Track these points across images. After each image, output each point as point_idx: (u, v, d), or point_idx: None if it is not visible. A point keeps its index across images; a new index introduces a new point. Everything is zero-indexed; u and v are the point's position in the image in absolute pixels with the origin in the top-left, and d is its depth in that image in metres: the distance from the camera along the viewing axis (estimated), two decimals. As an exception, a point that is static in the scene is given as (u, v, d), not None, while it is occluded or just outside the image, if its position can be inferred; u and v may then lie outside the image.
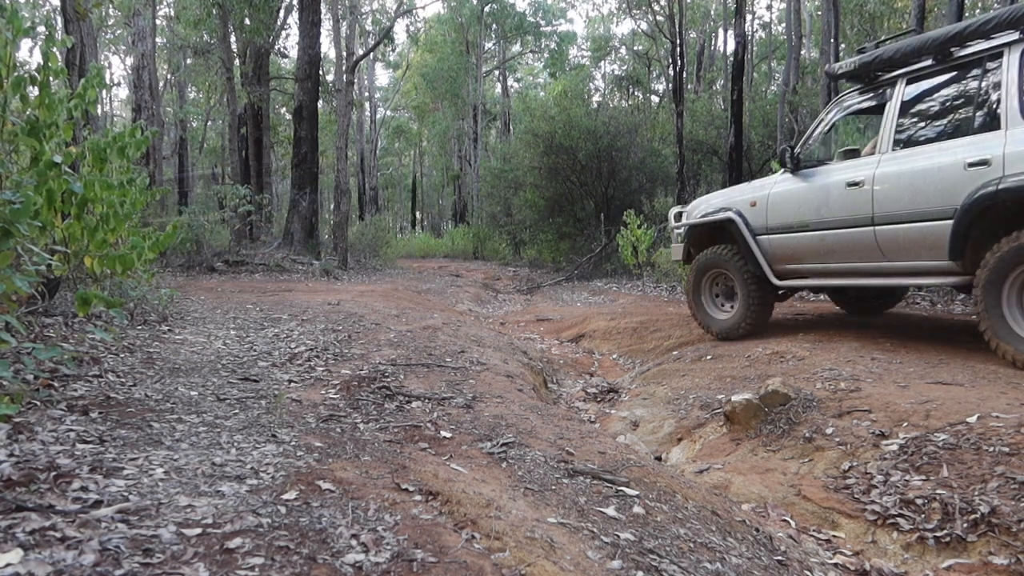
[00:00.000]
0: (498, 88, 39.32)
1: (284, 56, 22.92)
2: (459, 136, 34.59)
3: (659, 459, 3.88)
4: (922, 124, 4.46)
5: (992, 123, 3.99)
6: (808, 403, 3.69)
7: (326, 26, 16.84)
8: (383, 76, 42.84)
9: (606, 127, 17.12)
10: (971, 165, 3.95)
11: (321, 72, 16.41)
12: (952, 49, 4.32)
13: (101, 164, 4.06)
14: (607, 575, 1.90)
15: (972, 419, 3.12)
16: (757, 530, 2.52)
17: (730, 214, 5.49)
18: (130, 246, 3.97)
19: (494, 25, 32.71)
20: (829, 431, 3.41)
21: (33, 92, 3.37)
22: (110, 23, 23.37)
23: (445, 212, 44.08)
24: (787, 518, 2.92)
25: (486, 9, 30.77)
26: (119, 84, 32.01)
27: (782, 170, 5.30)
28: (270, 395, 3.22)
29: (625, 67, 35.13)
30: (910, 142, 4.45)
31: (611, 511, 2.32)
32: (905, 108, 4.54)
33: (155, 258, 5.13)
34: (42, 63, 3.42)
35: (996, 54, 4.08)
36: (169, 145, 24.48)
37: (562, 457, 2.80)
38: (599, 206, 17.07)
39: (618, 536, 2.13)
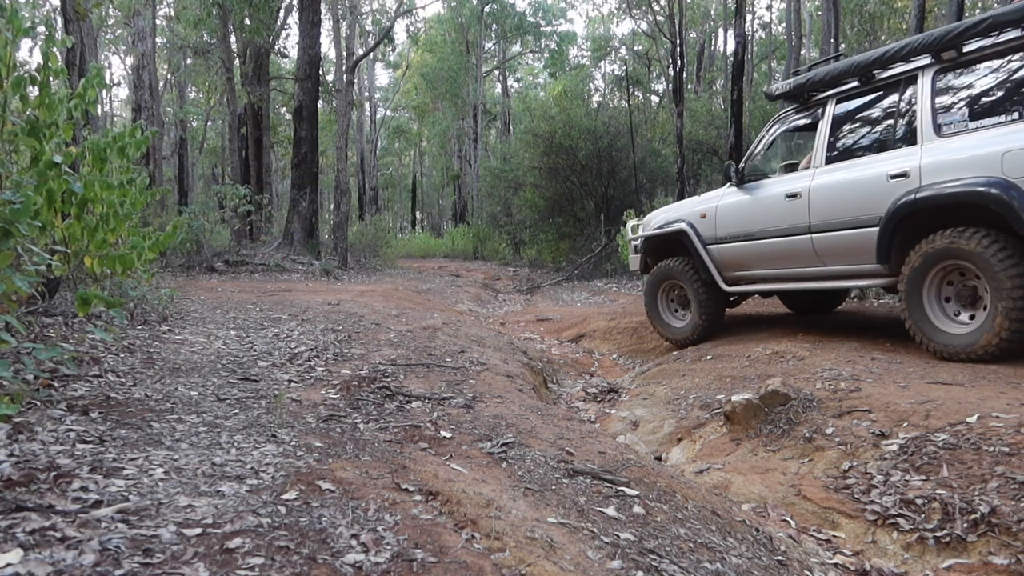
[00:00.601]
0: (498, 88, 39.31)
1: (284, 56, 22.92)
2: (459, 136, 34.59)
3: (659, 459, 3.89)
4: (850, 140, 4.86)
5: (910, 138, 4.38)
6: (808, 403, 3.69)
7: (326, 26, 16.85)
8: (383, 76, 42.86)
9: (606, 127, 17.13)
10: (893, 177, 4.34)
11: (321, 72, 16.41)
12: (875, 72, 4.74)
13: (101, 164, 4.06)
14: (607, 575, 1.90)
15: (972, 419, 3.12)
16: (757, 530, 2.52)
17: (682, 226, 5.85)
18: (130, 246, 3.97)
19: (494, 25, 32.70)
20: (829, 431, 3.41)
21: (33, 92, 3.37)
22: (110, 23, 23.37)
23: (445, 212, 44.08)
24: (787, 518, 2.92)
25: (486, 9, 30.77)
26: (119, 84, 32.03)
27: (728, 183, 5.64)
28: (270, 395, 3.22)
29: (625, 67, 35.15)
30: (840, 156, 4.84)
31: (611, 511, 2.32)
32: (835, 125, 4.95)
33: (155, 258, 5.13)
34: (42, 63, 3.42)
35: (912, 76, 4.50)
36: (169, 145, 24.47)
37: (562, 457, 2.80)
38: (599, 206, 17.07)
39: (618, 536, 2.13)
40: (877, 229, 4.41)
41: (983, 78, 4.20)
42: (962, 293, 4.17)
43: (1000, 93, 4.08)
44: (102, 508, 1.71)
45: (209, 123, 30.73)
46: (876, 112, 4.77)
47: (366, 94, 35.48)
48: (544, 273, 17.08)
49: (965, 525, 2.55)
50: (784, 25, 25.15)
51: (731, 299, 5.92)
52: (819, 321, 6.12)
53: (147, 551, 1.52)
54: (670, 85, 24.53)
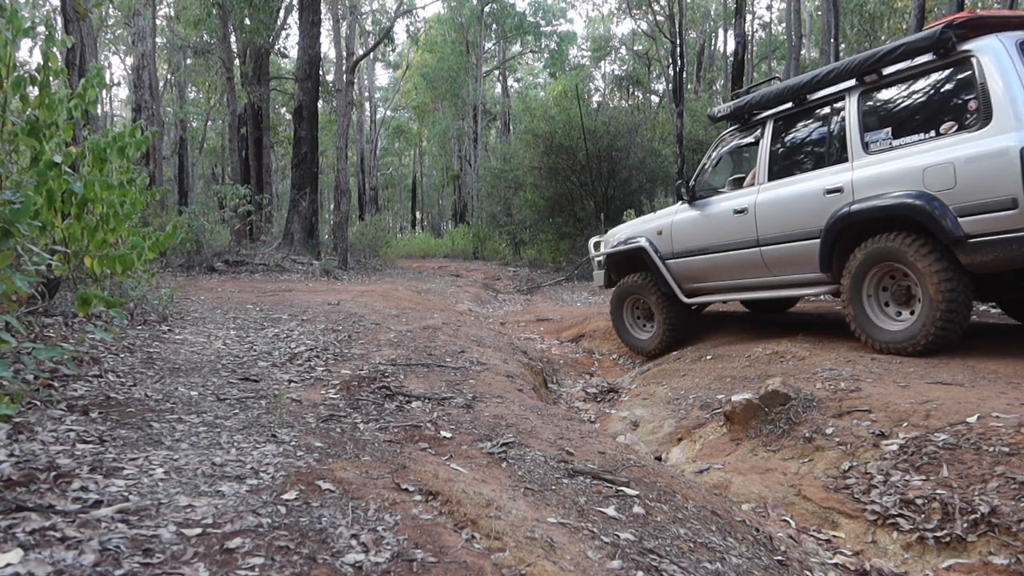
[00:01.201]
0: (498, 88, 39.31)
1: (284, 56, 22.91)
2: (459, 136, 34.59)
3: (659, 459, 3.89)
4: (789, 158, 5.21)
5: (842, 156, 4.72)
6: (808, 403, 3.70)
7: (326, 26, 16.84)
8: (383, 76, 42.84)
9: (606, 127, 17.13)
10: (828, 192, 4.68)
11: (321, 72, 16.41)
12: (807, 95, 5.07)
13: (101, 164, 4.05)
14: (607, 575, 1.90)
15: (972, 419, 3.12)
16: (757, 530, 2.52)
17: (641, 242, 6.17)
18: (130, 246, 3.97)
19: (494, 25, 32.70)
20: (829, 431, 3.41)
21: (33, 92, 3.37)
22: (110, 23, 23.36)
23: (445, 212, 44.07)
24: (787, 518, 2.92)
25: (486, 9, 30.76)
26: (119, 84, 32.01)
27: (680, 201, 5.96)
28: (270, 395, 3.22)
29: (625, 67, 35.13)
30: (781, 173, 5.16)
31: (611, 511, 2.32)
32: (774, 145, 5.28)
33: (155, 258, 5.13)
34: (42, 63, 3.42)
35: (840, 98, 4.83)
36: (169, 145, 24.47)
37: (562, 457, 2.80)
38: (599, 206, 17.06)
39: (618, 536, 2.13)
40: (818, 241, 4.71)
41: (902, 99, 4.54)
42: (897, 293, 4.47)
43: (918, 113, 4.42)
44: (102, 508, 1.71)
45: (209, 123, 30.73)
46: (811, 132, 5.10)
47: (366, 94, 35.47)
48: (544, 273, 17.08)
49: (965, 525, 2.55)
50: (784, 25, 25.14)
51: (692, 309, 6.19)
52: (819, 321, 6.12)
53: (147, 551, 1.52)
54: (670, 85, 24.54)
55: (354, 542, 1.70)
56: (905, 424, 3.26)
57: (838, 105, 4.84)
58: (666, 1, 23.77)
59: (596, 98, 32.78)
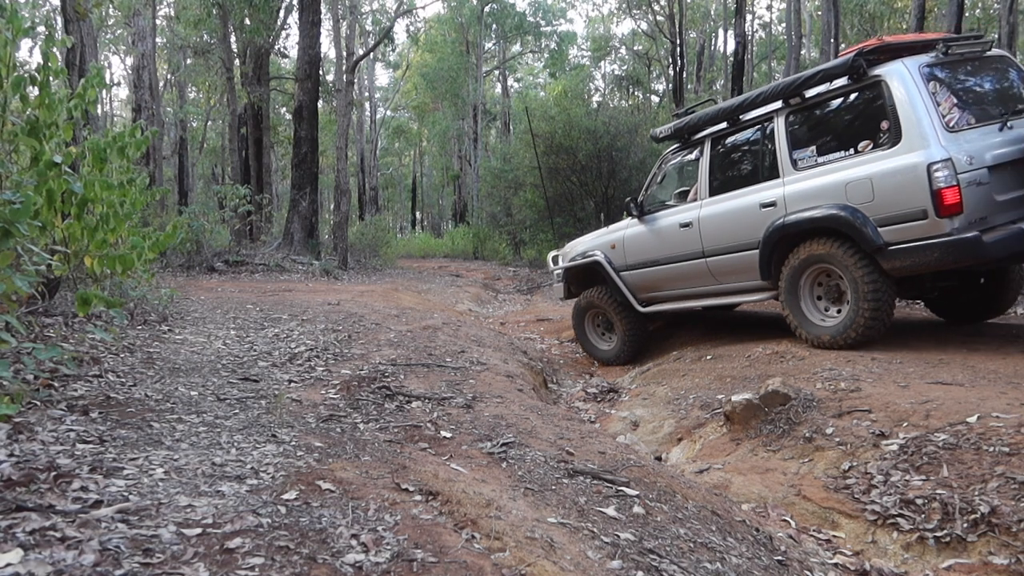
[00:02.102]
0: (498, 88, 39.30)
1: (284, 56, 22.90)
2: (459, 136, 34.58)
3: (659, 459, 3.89)
4: (727, 174, 5.53)
5: (774, 172, 5.06)
6: (808, 403, 3.69)
7: (326, 26, 16.82)
8: (383, 76, 42.80)
9: (606, 127, 17.12)
10: (764, 206, 5.03)
11: (321, 72, 16.41)
12: (740, 116, 5.38)
13: (101, 164, 4.05)
14: (607, 575, 1.90)
15: (972, 419, 3.12)
16: (757, 530, 2.52)
17: (597, 256, 6.45)
18: (130, 246, 3.96)
19: (494, 25, 32.67)
20: (829, 431, 3.41)
21: (33, 92, 3.37)
22: (110, 23, 23.35)
23: (445, 212, 44.07)
24: (787, 518, 2.92)
25: (486, 9, 30.74)
26: (119, 84, 31.96)
27: (630, 216, 6.27)
28: (270, 395, 3.22)
29: (625, 67, 35.13)
30: (720, 189, 5.49)
31: (611, 511, 2.32)
32: (713, 162, 5.60)
33: (155, 258, 5.13)
34: (42, 63, 3.42)
35: (770, 119, 5.15)
36: (169, 145, 24.45)
37: (562, 457, 2.80)
38: (599, 206, 17.05)
39: (618, 536, 2.13)
40: (758, 251, 5.06)
41: (825, 120, 4.93)
42: (829, 292, 4.85)
43: (839, 132, 4.79)
44: (102, 508, 1.71)
45: (209, 123, 30.71)
46: (745, 150, 5.46)
47: (366, 94, 35.45)
48: (544, 273, 17.07)
49: (965, 525, 2.55)
50: (784, 25, 25.14)
51: (650, 317, 6.47)
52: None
53: (147, 551, 1.52)
54: (670, 85, 24.54)
55: (354, 542, 1.70)
56: (905, 424, 3.26)
57: (768, 125, 5.17)
58: (666, 1, 23.77)
59: (596, 98, 32.78)
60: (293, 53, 20.22)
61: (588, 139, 16.70)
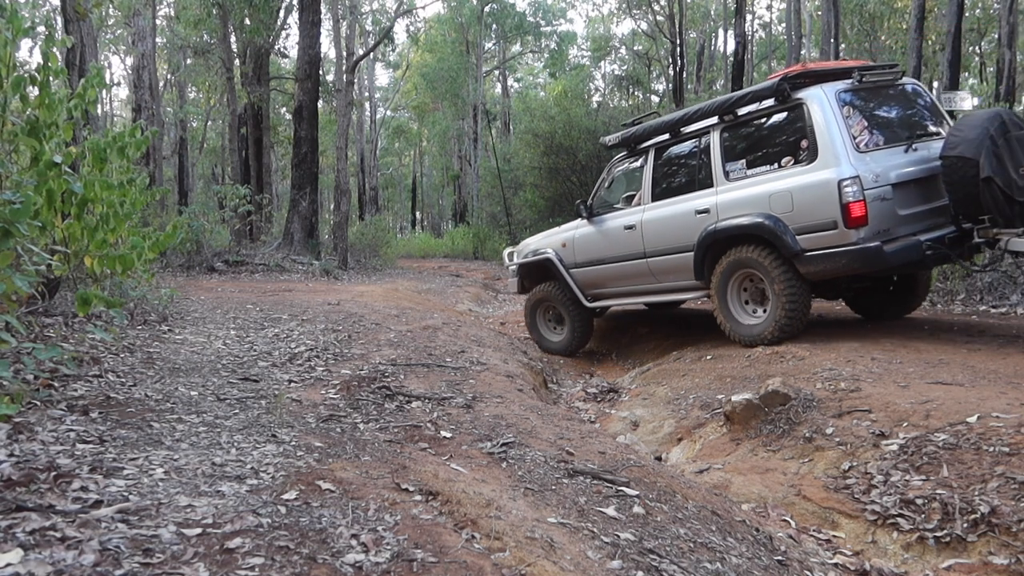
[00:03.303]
0: (498, 88, 39.28)
1: (284, 56, 22.88)
2: (459, 136, 34.56)
3: (659, 459, 3.88)
4: (668, 182, 5.96)
5: (708, 182, 5.48)
6: (808, 403, 3.69)
7: (326, 26, 16.81)
8: (383, 76, 42.75)
9: (606, 127, 17.11)
10: (699, 212, 5.44)
11: (321, 72, 16.40)
12: (680, 129, 5.79)
13: (101, 164, 4.05)
14: (607, 575, 1.90)
15: (972, 419, 3.12)
16: (757, 530, 2.52)
17: (549, 254, 6.82)
18: (130, 246, 3.96)
19: (494, 25, 32.64)
20: (829, 431, 3.41)
21: (33, 92, 3.36)
22: (110, 23, 23.33)
23: (445, 212, 44.04)
24: (787, 518, 2.92)
25: (486, 9, 30.71)
26: (119, 84, 31.91)
27: (580, 218, 6.67)
28: (270, 395, 3.22)
29: (625, 67, 35.11)
30: (662, 195, 5.92)
31: (611, 511, 2.32)
32: (656, 170, 6.03)
33: (155, 258, 5.13)
34: (42, 63, 3.41)
35: (707, 133, 5.56)
36: (169, 145, 24.44)
37: (562, 457, 2.80)
38: (599, 206, 17.01)
39: (618, 536, 2.13)
40: (693, 253, 5.45)
41: (754, 136, 5.36)
42: (754, 295, 5.27)
43: (766, 148, 5.24)
44: (102, 508, 1.71)
45: (209, 123, 30.69)
46: (684, 160, 5.88)
47: (366, 94, 35.43)
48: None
49: (965, 525, 2.55)
50: (784, 25, 25.14)
51: (596, 312, 6.88)
52: (818, 321, 6.12)
53: (147, 551, 1.52)
54: (670, 85, 24.54)
55: (354, 542, 1.70)
56: (905, 424, 3.26)
57: (705, 139, 5.59)
58: (666, 1, 23.77)
59: (596, 98, 32.74)
60: (293, 53, 20.22)
61: (588, 139, 16.69)
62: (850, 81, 4.93)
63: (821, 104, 4.78)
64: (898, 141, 4.94)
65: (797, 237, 4.78)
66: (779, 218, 4.86)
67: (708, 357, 5.29)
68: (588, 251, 6.48)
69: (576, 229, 6.66)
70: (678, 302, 6.92)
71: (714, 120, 5.49)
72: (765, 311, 5.13)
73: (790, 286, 4.85)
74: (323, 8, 15.15)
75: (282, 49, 21.94)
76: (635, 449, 3.68)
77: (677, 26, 18.58)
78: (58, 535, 1.53)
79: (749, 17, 28.29)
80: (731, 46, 23.23)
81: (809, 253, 4.75)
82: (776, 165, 5.07)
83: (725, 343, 5.64)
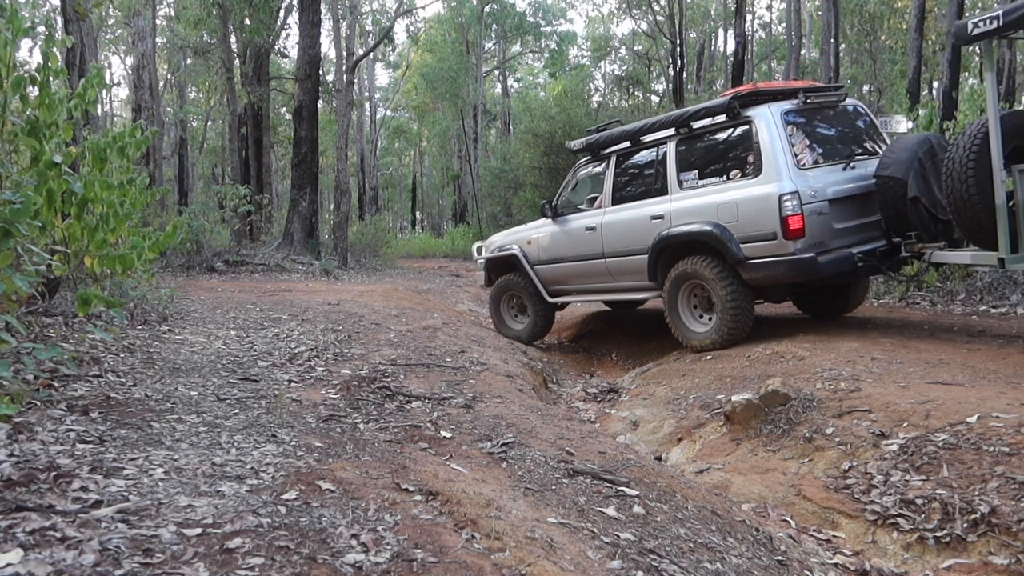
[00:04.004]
0: (498, 88, 39.27)
1: (284, 56, 22.88)
2: (459, 136, 34.56)
3: (659, 459, 3.88)
4: (628, 187, 6.25)
5: (664, 190, 5.79)
6: (808, 403, 3.69)
7: (326, 26, 16.81)
8: (383, 76, 42.74)
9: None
10: (654, 218, 5.75)
11: (321, 72, 16.40)
12: (640, 138, 6.07)
13: (101, 164, 4.05)
14: (607, 575, 1.90)
15: (972, 419, 3.11)
16: (757, 530, 2.52)
17: (514, 250, 7.12)
18: (130, 246, 3.96)
19: (494, 25, 32.64)
20: (829, 431, 3.41)
21: (33, 92, 3.37)
22: (110, 23, 23.32)
23: (445, 212, 44.03)
24: (787, 518, 2.92)
25: (486, 9, 30.71)
26: (119, 84, 31.90)
27: (544, 217, 6.96)
28: (270, 395, 3.22)
29: (625, 67, 35.11)
30: (621, 200, 6.20)
31: (611, 511, 2.32)
32: (617, 176, 6.31)
33: (155, 258, 5.13)
34: (42, 63, 3.42)
35: (664, 143, 5.86)
36: (169, 145, 24.43)
37: (562, 457, 2.80)
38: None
39: (618, 536, 2.13)
40: (647, 256, 5.75)
41: (706, 149, 5.65)
42: (702, 302, 5.59)
43: (716, 161, 5.53)
44: (102, 508, 1.71)
45: (209, 123, 30.69)
46: (643, 168, 6.16)
47: (366, 94, 35.42)
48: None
49: (965, 525, 2.55)
50: (784, 25, 25.14)
51: (558, 305, 7.22)
52: (819, 321, 6.12)
53: (147, 551, 1.52)
54: (670, 85, 24.54)
55: (354, 542, 1.70)
56: (905, 424, 3.26)
57: (662, 149, 5.89)
58: (666, 1, 23.78)
59: (596, 98, 32.73)
60: (293, 53, 20.21)
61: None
62: (796, 101, 5.24)
63: (767, 122, 5.10)
64: (837, 159, 5.30)
65: (741, 245, 5.09)
66: (725, 227, 5.18)
67: (708, 357, 5.29)
68: (551, 249, 6.79)
69: (541, 228, 6.97)
70: (636, 302, 7.30)
71: (671, 132, 5.80)
72: (711, 318, 5.48)
73: (733, 295, 5.20)
74: (323, 8, 15.15)
75: (282, 49, 21.95)
76: (635, 449, 3.68)
77: (677, 26, 18.57)
78: (58, 535, 1.53)
79: (749, 17, 28.29)
80: (731, 46, 23.24)
81: (751, 261, 5.07)
82: (725, 177, 5.39)
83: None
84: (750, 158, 5.20)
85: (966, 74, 18.29)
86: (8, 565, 1.37)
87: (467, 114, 31.12)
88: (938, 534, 2.57)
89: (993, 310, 6.30)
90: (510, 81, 40.31)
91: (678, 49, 18.11)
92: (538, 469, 2.63)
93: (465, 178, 33.04)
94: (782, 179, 4.93)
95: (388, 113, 40.46)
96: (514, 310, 7.42)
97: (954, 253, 4.80)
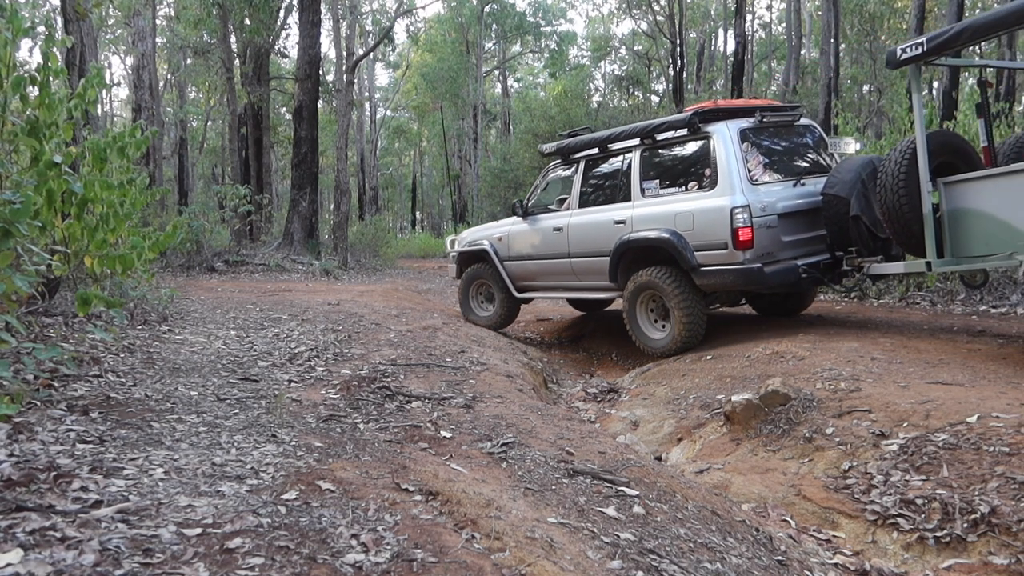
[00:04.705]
0: (498, 88, 39.27)
1: (284, 56, 22.88)
2: (459, 136, 34.55)
3: (659, 459, 3.88)
4: (594, 192, 6.52)
5: (627, 196, 6.06)
6: (808, 403, 3.69)
7: (326, 26, 16.82)
8: (383, 76, 42.74)
9: (607, 127, 17.14)
10: (617, 223, 6.00)
11: (321, 72, 16.40)
12: (608, 146, 6.32)
13: (101, 164, 4.05)
14: (607, 575, 1.90)
15: (972, 419, 3.11)
16: (757, 530, 2.52)
17: (485, 245, 7.40)
18: (130, 246, 3.96)
19: (494, 25, 32.64)
20: (829, 431, 3.41)
21: (33, 92, 3.37)
22: (110, 23, 23.32)
23: (445, 212, 44.02)
24: (787, 518, 2.92)
25: (486, 9, 30.72)
26: (119, 84, 31.91)
27: (515, 215, 7.22)
28: (270, 395, 3.22)
29: (625, 67, 35.10)
30: (588, 203, 6.50)
31: (611, 511, 2.32)
32: (584, 180, 6.59)
33: (155, 258, 5.13)
34: (42, 63, 3.41)
35: (629, 151, 6.14)
36: (169, 145, 24.43)
37: (562, 457, 2.80)
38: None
39: (618, 536, 2.13)
40: (609, 258, 6.00)
41: (668, 160, 5.93)
42: (660, 310, 5.87)
43: (676, 172, 5.82)
44: (102, 508, 1.71)
45: (209, 123, 30.69)
46: (609, 174, 6.43)
47: (366, 94, 35.42)
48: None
49: (965, 525, 2.55)
50: (784, 25, 25.14)
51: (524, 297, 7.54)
52: (819, 321, 6.12)
53: (147, 551, 1.52)
54: (670, 85, 24.54)
55: (354, 542, 1.70)
56: (905, 424, 3.26)
57: (627, 157, 6.16)
58: (666, 1, 23.78)
59: (596, 98, 32.73)
60: (293, 53, 20.21)
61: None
62: (753, 120, 5.52)
63: (724, 139, 5.38)
64: (789, 176, 5.64)
65: (695, 253, 5.39)
66: (682, 235, 5.47)
67: (708, 357, 5.29)
68: (521, 247, 7.08)
69: (512, 225, 7.23)
70: (600, 302, 7.64)
71: (636, 142, 6.05)
72: (665, 327, 5.82)
73: (687, 305, 5.52)
74: (323, 8, 15.15)
75: (282, 49, 21.95)
76: (635, 449, 3.68)
77: (677, 26, 18.57)
78: (58, 535, 1.53)
79: (749, 17, 28.28)
80: (731, 46, 23.23)
81: (704, 268, 5.38)
82: (684, 188, 5.69)
83: (725, 343, 5.64)
84: (707, 171, 5.48)
85: (966, 74, 18.29)
86: (8, 565, 1.37)
87: (467, 114, 31.11)
88: (938, 534, 2.57)
89: (993, 310, 6.31)
90: (510, 81, 40.32)
91: (678, 49, 18.11)
92: (538, 469, 2.63)
93: (465, 178, 33.04)
94: (735, 193, 5.22)
95: (388, 113, 40.46)
96: (481, 298, 7.71)
97: (889, 264, 5.16)
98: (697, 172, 5.61)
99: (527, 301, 7.53)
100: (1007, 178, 4.34)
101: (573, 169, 6.73)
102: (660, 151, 5.96)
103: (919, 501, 2.73)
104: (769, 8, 32.52)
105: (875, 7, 20.53)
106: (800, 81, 18.04)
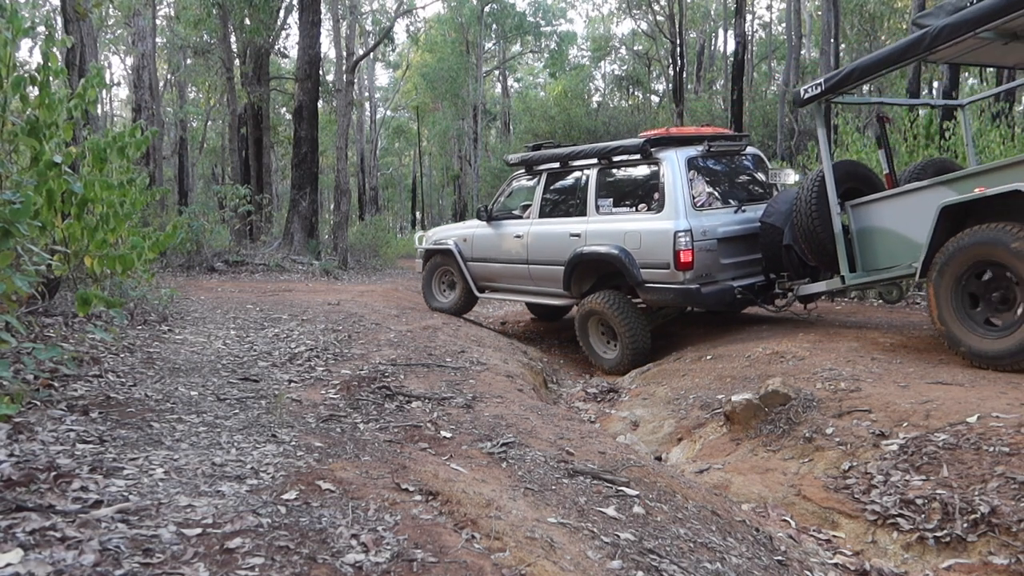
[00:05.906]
0: (498, 88, 39.25)
1: (284, 56, 22.86)
2: (459, 136, 34.54)
3: (659, 459, 3.88)
4: (554, 203, 6.91)
5: (583, 211, 6.44)
6: (808, 403, 3.69)
7: (326, 26, 16.79)
8: (383, 76, 42.71)
9: (606, 127, 17.12)
10: (572, 235, 6.38)
11: (321, 72, 16.39)
12: (569, 162, 6.68)
13: (101, 164, 4.05)
14: (607, 575, 1.90)
15: (972, 419, 3.11)
16: (757, 530, 2.52)
17: (449, 244, 7.79)
18: (130, 246, 3.96)
19: (494, 25, 32.60)
20: (829, 431, 3.41)
21: (33, 92, 3.36)
22: (110, 23, 23.30)
23: (445, 212, 44.01)
24: (787, 518, 2.92)
25: (486, 9, 30.68)
26: (119, 84, 31.86)
27: (480, 219, 7.59)
28: (270, 395, 3.22)
29: (625, 67, 35.10)
30: (548, 214, 6.88)
31: (611, 511, 2.32)
32: (545, 191, 6.96)
33: (155, 258, 5.13)
34: (42, 63, 3.41)
35: (587, 169, 6.49)
36: (169, 145, 24.42)
37: (562, 457, 2.80)
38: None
39: (618, 536, 2.13)
40: (563, 268, 6.38)
41: (621, 181, 6.28)
42: (610, 332, 6.19)
43: (628, 193, 6.18)
44: (102, 508, 1.71)
45: (209, 123, 30.67)
46: (568, 189, 6.80)
47: (366, 94, 35.40)
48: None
49: (965, 525, 2.55)
50: (784, 25, 25.13)
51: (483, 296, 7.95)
52: (819, 321, 6.12)
53: (147, 551, 1.52)
54: (670, 85, 24.53)
55: (354, 542, 1.70)
56: (905, 424, 3.26)
57: (585, 175, 6.51)
58: (666, 1, 23.78)
59: (596, 98, 32.72)
60: (293, 53, 20.19)
61: (588, 139, 16.71)
62: (701, 148, 5.86)
63: (672, 166, 5.73)
64: (731, 202, 6.04)
65: (641, 270, 5.74)
66: (630, 252, 5.83)
67: (708, 357, 5.29)
68: (484, 250, 7.43)
69: (477, 228, 7.58)
70: (556, 309, 7.98)
71: (595, 161, 6.37)
72: (616, 346, 6.17)
73: (630, 328, 5.91)
74: (323, 8, 15.14)
75: (282, 49, 21.93)
76: (635, 449, 3.68)
77: (677, 26, 18.56)
78: (58, 535, 1.53)
79: (749, 17, 28.27)
80: (731, 46, 23.22)
81: (648, 284, 5.75)
82: (634, 208, 6.04)
83: (725, 343, 5.64)
84: (656, 195, 5.83)
85: (966, 74, 18.28)
86: (8, 565, 1.37)
87: (467, 114, 31.11)
88: (938, 534, 2.57)
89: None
90: (510, 81, 40.30)
91: (678, 49, 18.11)
92: (538, 469, 2.63)
93: (465, 178, 33.02)
94: (679, 217, 5.58)
95: (388, 113, 40.45)
96: (443, 286, 8.17)
97: (813, 284, 5.56)
98: (647, 195, 5.96)
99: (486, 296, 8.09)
100: (902, 197, 4.81)
101: (536, 180, 7.08)
102: (615, 172, 6.31)
103: (919, 501, 2.73)
104: (769, 8, 32.52)
105: (875, 7, 20.53)
106: (800, 81, 18.03)
